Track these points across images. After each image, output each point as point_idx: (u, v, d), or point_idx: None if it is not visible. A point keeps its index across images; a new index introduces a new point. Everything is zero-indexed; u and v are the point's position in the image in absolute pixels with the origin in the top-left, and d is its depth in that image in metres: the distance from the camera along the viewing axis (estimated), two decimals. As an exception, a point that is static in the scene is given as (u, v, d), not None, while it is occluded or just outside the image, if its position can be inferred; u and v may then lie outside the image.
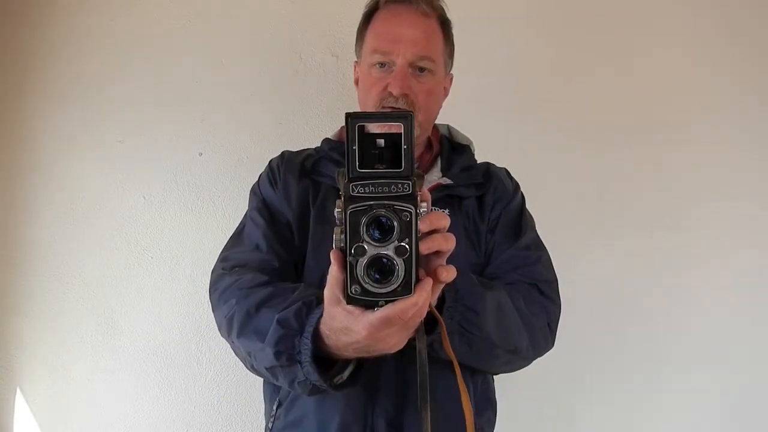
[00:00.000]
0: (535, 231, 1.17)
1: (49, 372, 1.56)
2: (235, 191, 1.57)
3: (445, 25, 1.13)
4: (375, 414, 0.99)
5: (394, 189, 0.68)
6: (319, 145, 1.20)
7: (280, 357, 0.85)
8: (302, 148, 1.23)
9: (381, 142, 0.69)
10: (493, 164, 1.22)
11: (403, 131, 0.68)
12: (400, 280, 0.69)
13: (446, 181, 1.11)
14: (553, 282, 1.13)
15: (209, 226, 1.58)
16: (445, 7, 1.14)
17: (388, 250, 0.68)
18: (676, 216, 1.69)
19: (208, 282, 1.12)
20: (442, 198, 1.10)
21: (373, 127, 0.70)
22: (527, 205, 1.21)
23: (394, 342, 0.76)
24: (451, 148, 1.19)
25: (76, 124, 1.58)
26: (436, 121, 1.21)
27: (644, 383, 1.68)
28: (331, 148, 1.14)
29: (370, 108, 1.09)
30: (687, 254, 1.69)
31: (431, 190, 0.98)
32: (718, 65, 1.72)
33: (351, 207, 0.68)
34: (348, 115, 0.70)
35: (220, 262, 1.10)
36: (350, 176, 0.69)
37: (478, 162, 1.20)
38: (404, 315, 0.70)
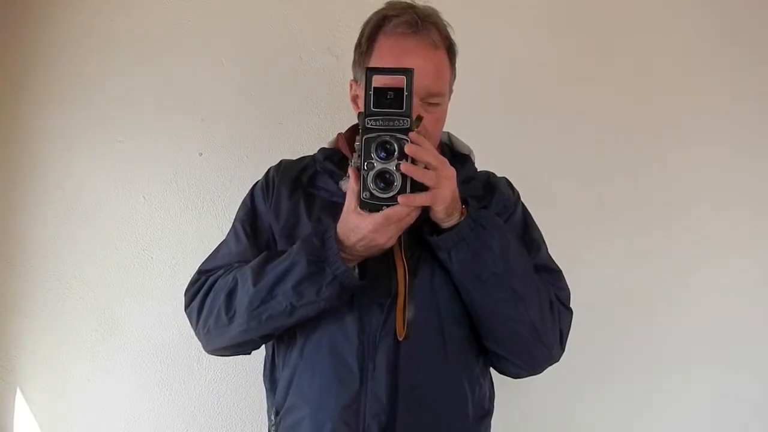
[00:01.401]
0: (545, 243, 1.16)
1: (49, 372, 1.56)
2: (235, 191, 1.56)
3: (450, 48, 1.10)
4: (367, 419, 1.00)
5: (396, 123, 0.91)
6: (318, 147, 1.18)
7: (311, 264, 0.97)
8: (301, 146, 1.23)
9: (391, 93, 0.92)
10: (494, 174, 1.20)
11: (405, 83, 0.91)
12: (398, 189, 0.91)
13: None
14: (569, 292, 1.14)
15: (209, 226, 1.58)
16: (450, 30, 1.09)
17: (390, 166, 0.90)
18: (676, 216, 1.69)
19: (199, 270, 1.14)
20: None
21: (384, 81, 0.92)
22: (528, 207, 1.19)
23: (389, 237, 0.94)
24: (452, 157, 1.16)
25: (76, 124, 1.58)
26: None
27: (644, 383, 1.68)
28: (326, 158, 1.13)
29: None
30: (687, 254, 1.69)
31: None
32: (718, 66, 1.71)
33: (365, 135, 0.91)
34: (367, 69, 0.94)
35: (198, 274, 1.14)
36: (366, 113, 0.92)
37: (478, 171, 1.19)
38: (400, 215, 0.92)
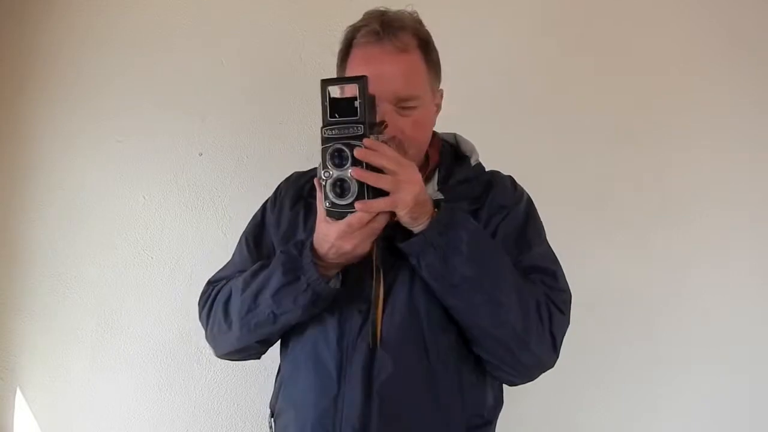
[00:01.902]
0: (547, 243, 1.13)
1: (49, 372, 1.56)
2: (235, 191, 1.57)
3: (425, 48, 1.07)
4: (343, 425, 1.00)
5: (351, 131, 0.92)
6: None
7: (288, 274, 0.99)
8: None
9: (356, 102, 0.93)
10: (498, 173, 1.17)
11: (357, 91, 0.92)
12: (355, 195, 0.91)
13: (437, 195, 1.06)
14: (567, 295, 1.09)
15: (209, 226, 1.58)
16: (427, 32, 1.08)
17: (345, 173, 0.91)
18: (676, 216, 1.69)
19: (208, 281, 1.18)
20: None
21: (338, 92, 0.96)
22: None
23: (358, 244, 0.94)
24: (455, 158, 1.15)
25: (76, 124, 1.58)
26: (443, 130, 1.18)
27: (644, 383, 1.67)
28: None
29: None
30: (687, 254, 1.69)
31: None
32: (718, 66, 1.71)
33: (323, 145, 0.93)
34: (321, 81, 0.95)
35: (207, 285, 1.18)
36: (323, 124, 0.93)
37: (486, 170, 1.16)
38: (361, 222, 0.91)
